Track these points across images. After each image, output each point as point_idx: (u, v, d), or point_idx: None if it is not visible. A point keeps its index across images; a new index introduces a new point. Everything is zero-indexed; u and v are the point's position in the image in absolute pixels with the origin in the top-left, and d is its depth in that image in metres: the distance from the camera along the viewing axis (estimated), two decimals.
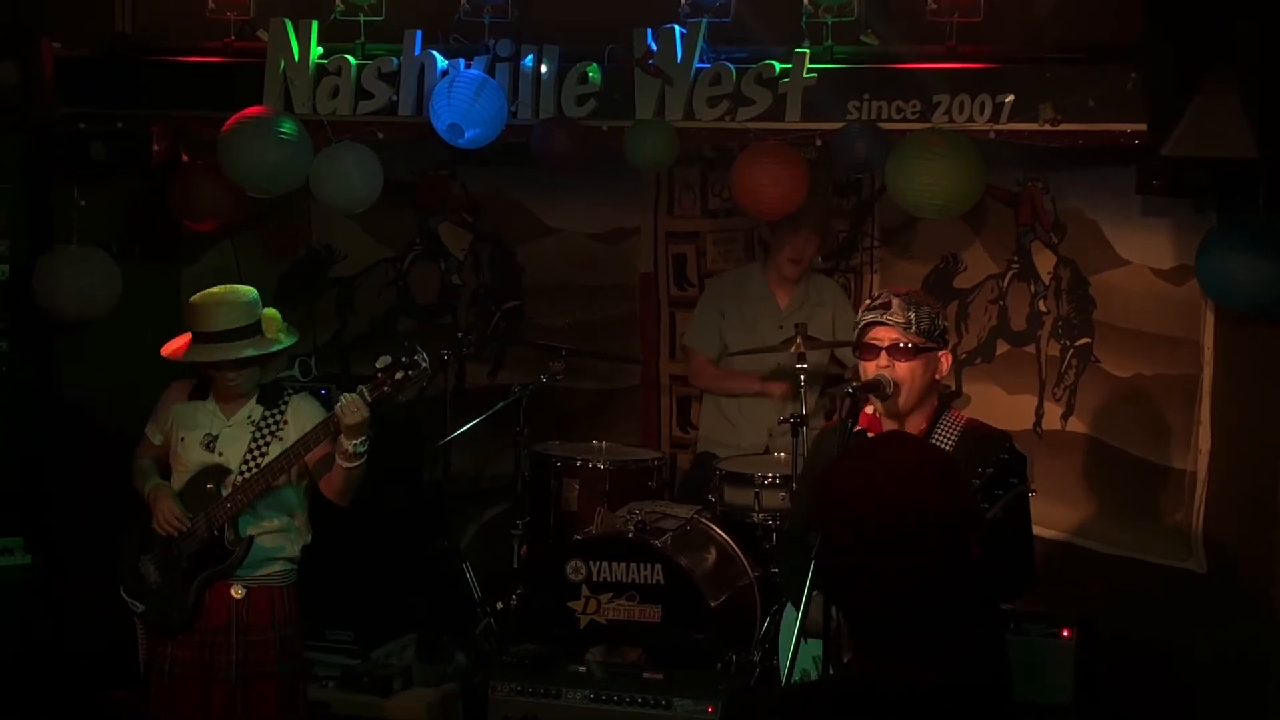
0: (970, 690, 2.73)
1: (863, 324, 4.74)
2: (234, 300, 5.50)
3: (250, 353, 5.47)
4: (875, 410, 4.76)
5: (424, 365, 5.39)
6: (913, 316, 4.65)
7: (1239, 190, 5.99)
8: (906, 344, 4.64)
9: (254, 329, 5.50)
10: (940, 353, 4.72)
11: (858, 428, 4.76)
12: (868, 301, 4.82)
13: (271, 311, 5.59)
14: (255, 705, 5.55)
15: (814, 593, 4.36)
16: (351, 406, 5.31)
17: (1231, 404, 6.49)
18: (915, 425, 4.72)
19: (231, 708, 5.52)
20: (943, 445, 4.66)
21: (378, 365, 5.41)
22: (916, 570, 2.66)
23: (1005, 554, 4.45)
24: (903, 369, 4.66)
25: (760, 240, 8.14)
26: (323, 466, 5.52)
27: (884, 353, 4.66)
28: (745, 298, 7.61)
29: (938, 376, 4.75)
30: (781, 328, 7.30)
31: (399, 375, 5.37)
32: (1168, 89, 5.57)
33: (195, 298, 5.56)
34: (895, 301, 4.68)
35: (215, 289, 5.58)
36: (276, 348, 5.57)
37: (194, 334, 5.51)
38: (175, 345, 5.57)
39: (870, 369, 4.70)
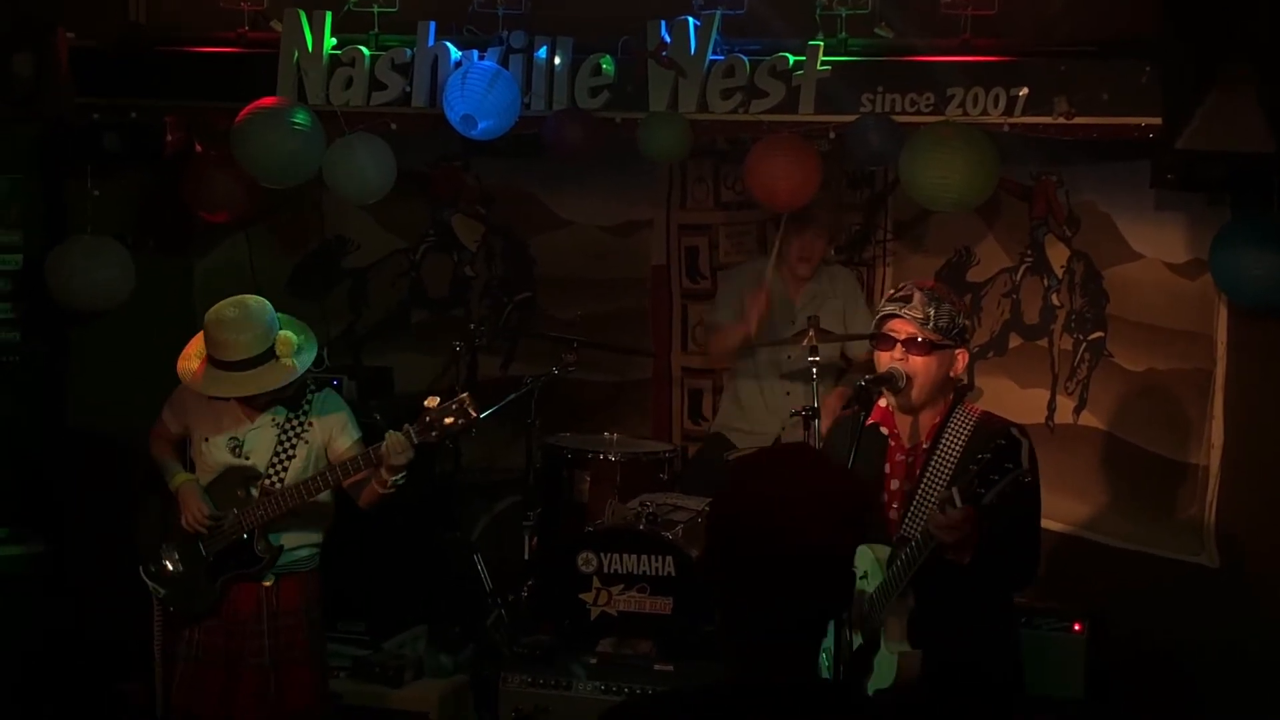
0: (829, 690, 2.75)
1: (881, 314, 4.76)
2: (251, 326, 5.37)
3: (270, 387, 5.42)
4: (889, 404, 4.78)
5: (473, 415, 5.36)
6: (932, 313, 4.66)
7: (1253, 184, 5.98)
8: (923, 339, 4.65)
9: (269, 354, 5.40)
10: (957, 350, 4.72)
11: (870, 420, 4.77)
12: (891, 291, 4.83)
13: (286, 334, 5.48)
14: (289, 689, 5.58)
15: None
16: (397, 447, 5.31)
17: (1244, 399, 6.47)
18: (929, 419, 4.74)
19: (263, 693, 5.53)
20: (956, 438, 4.68)
21: (426, 405, 5.38)
22: (823, 597, 2.71)
23: (1005, 542, 4.46)
24: (917, 363, 4.67)
25: (766, 238, 8.11)
26: (357, 487, 5.54)
27: (899, 345, 4.68)
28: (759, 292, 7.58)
29: (953, 374, 4.76)
30: (794, 322, 7.31)
31: (448, 421, 5.34)
32: (1183, 83, 5.56)
33: (210, 318, 5.41)
34: (917, 295, 4.69)
35: (230, 309, 5.41)
36: (293, 377, 5.46)
37: (212, 359, 5.43)
38: (192, 366, 5.48)
39: (885, 360, 4.72)
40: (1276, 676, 6.24)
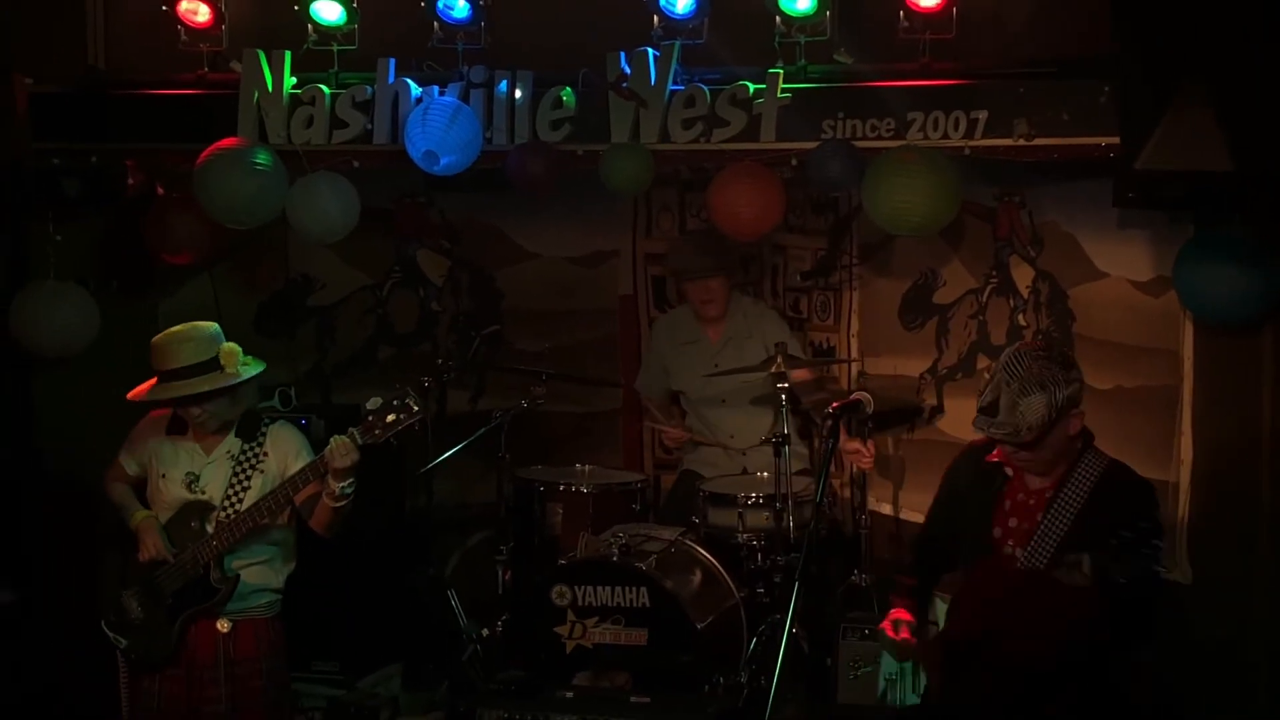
0: None
1: (983, 430, 4.82)
2: (193, 336, 5.50)
3: (207, 388, 5.44)
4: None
5: (416, 409, 5.35)
6: (1021, 421, 4.70)
7: (1215, 201, 6.00)
8: (1025, 440, 4.73)
9: (213, 364, 5.46)
10: (1070, 415, 4.79)
11: (992, 458, 4.93)
12: (983, 388, 4.86)
13: (231, 345, 5.54)
14: None
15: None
16: (342, 449, 5.29)
17: (1211, 415, 6.48)
18: (1055, 472, 4.86)
19: None
20: (1082, 485, 4.78)
21: (368, 406, 5.37)
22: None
23: (1134, 613, 4.49)
24: (1029, 456, 4.78)
25: (675, 290, 8.20)
26: (309, 505, 5.51)
27: (1005, 447, 4.80)
28: (677, 340, 7.75)
29: (1071, 434, 4.82)
30: (716, 364, 7.40)
31: (390, 418, 5.33)
32: (1140, 102, 5.57)
33: (157, 337, 5.54)
34: (1003, 404, 4.72)
35: (176, 327, 5.57)
36: (236, 380, 5.51)
37: (158, 373, 5.51)
38: (141, 389, 5.57)
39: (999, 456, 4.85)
40: (1251, 690, 6.25)
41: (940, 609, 4.84)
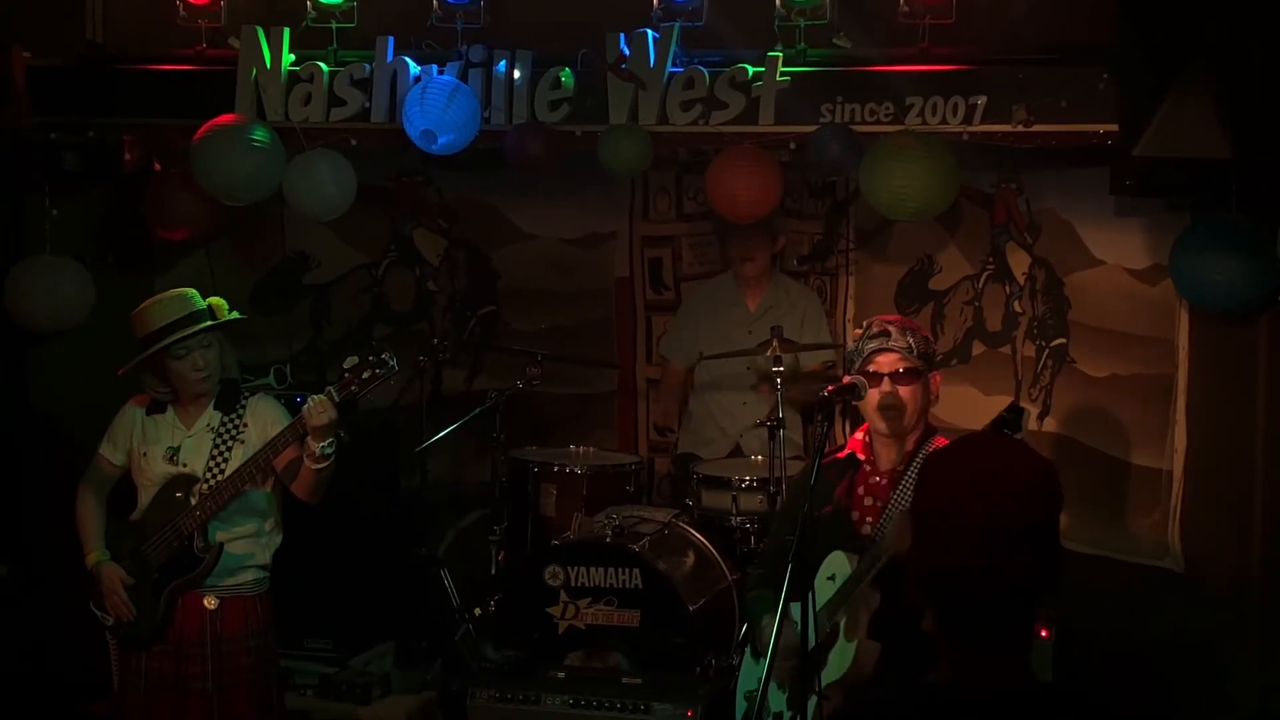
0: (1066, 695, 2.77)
1: (866, 352, 4.94)
2: (167, 297, 5.48)
3: (206, 323, 5.43)
4: (867, 437, 5.03)
5: (391, 364, 5.35)
6: (910, 342, 4.90)
7: (1212, 189, 6.00)
8: (906, 368, 4.88)
9: (196, 317, 5.42)
10: (933, 374, 4.99)
11: (841, 454, 5.07)
12: (860, 332, 5.02)
13: (218, 300, 5.53)
14: (230, 714, 5.53)
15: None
16: (318, 407, 5.28)
17: (1207, 403, 6.49)
18: (907, 445, 4.97)
19: (208, 718, 5.50)
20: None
21: (345, 366, 5.38)
22: (1016, 573, 2.73)
23: None
24: (906, 392, 4.89)
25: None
26: (291, 469, 5.49)
27: (887, 379, 4.89)
28: (716, 304, 7.71)
29: (933, 396, 5.00)
30: (750, 332, 7.38)
31: (366, 375, 5.33)
32: (1140, 89, 5.58)
33: (133, 311, 5.50)
34: (892, 329, 4.92)
35: (149, 299, 5.53)
36: (226, 318, 5.49)
37: (144, 339, 5.45)
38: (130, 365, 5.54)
39: (875, 396, 4.91)
40: (1242, 679, 6.26)
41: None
